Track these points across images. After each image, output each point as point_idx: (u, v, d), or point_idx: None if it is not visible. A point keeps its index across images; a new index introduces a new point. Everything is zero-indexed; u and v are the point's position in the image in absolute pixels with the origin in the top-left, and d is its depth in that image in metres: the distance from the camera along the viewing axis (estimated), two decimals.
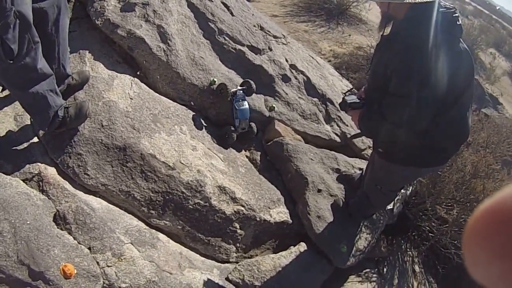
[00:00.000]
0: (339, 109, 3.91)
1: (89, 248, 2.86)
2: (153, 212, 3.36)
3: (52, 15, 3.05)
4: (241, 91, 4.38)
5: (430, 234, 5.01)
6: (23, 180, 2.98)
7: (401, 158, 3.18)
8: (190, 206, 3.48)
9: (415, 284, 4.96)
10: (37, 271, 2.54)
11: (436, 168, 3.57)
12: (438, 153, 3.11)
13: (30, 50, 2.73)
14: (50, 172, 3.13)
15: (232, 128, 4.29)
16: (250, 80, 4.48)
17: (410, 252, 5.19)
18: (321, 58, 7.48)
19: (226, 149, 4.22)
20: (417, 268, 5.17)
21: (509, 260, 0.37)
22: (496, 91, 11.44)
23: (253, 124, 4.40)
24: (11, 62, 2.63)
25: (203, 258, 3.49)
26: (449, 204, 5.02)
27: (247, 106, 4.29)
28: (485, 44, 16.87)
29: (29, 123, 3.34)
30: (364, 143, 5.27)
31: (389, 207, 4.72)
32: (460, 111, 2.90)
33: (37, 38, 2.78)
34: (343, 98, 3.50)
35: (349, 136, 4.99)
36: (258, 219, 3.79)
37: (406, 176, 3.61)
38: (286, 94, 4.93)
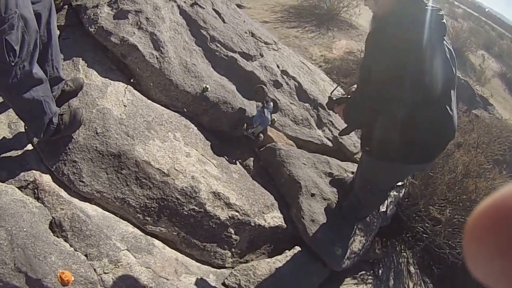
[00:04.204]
0: (327, 109, 3.96)
1: (86, 255, 2.87)
2: (148, 218, 3.37)
3: (44, 17, 3.09)
4: (272, 105, 4.56)
5: (424, 235, 5.03)
6: (18, 188, 2.99)
7: (387, 155, 3.21)
8: (185, 212, 3.50)
9: (411, 285, 4.96)
10: (35, 278, 2.54)
11: (423, 165, 3.53)
12: (424, 149, 3.12)
13: (27, 55, 2.76)
14: (45, 179, 3.15)
15: (246, 125, 4.42)
16: (277, 101, 4.73)
17: (404, 253, 5.20)
18: (312, 63, 7.53)
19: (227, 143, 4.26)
20: (412, 269, 5.18)
21: (510, 258, 0.38)
22: (487, 92, 11.50)
23: (262, 136, 4.49)
24: (13, 64, 2.66)
25: (199, 264, 3.49)
26: (442, 205, 5.04)
27: (269, 118, 4.43)
28: (475, 46, 16.98)
29: (23, 130, 3.35)
30: (356, 146, 5.31)
31: (383, 209, 4.74)
32: (444, 107, 2.92)
33: (35, 42, 2.82)
34: (329, 97, 3.57)
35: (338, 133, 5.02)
36: (252, 224, 3.81)
37: (393, 174, 3.60)
38: (278, 99, 4.97)
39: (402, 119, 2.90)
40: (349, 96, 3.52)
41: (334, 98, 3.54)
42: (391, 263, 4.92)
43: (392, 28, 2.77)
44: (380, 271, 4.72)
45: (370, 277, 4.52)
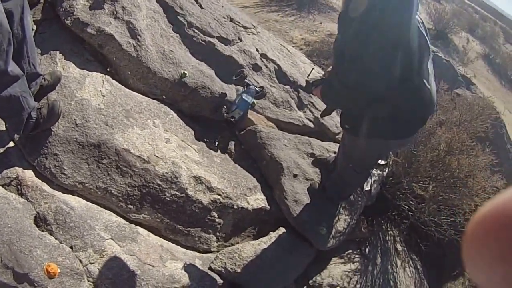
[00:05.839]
0: (305, 92, 4.01)
1: (71, 247, 2.91)
2: (131, 206, 3.39)
3: (17, 15, 3.08)
4: (254, 88, 4.55)
5: (410, 213, 5.10)
6: (2, 186, 3.01)
7: (366, 131, 3.22)
8: (167, 198, 3.52)
9: (399, 262, 5.03)
10: (22, 273, 2.58)
11: (404, 140, 3.54)
12: (404, 124, 3.15)
13: (2, 54, 2.76)
14: (28, 175, 3.16)
15: (226, 109, 4.45)
16: (265, 88, 4.76)
17: (391, 232, 5.26)
18: (292, 46, 7.54)
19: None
20: (399, 247, 5.24)
21: (511, 264, 0.38)
22: (470, 73, 11.58)
23: (242, 119, 4.51)
24: None
25: (184, 250, 3.53)
26: (426, 182, 5.09)
27: (249, 102, 4.41)
28: (458, 27, 17.05)
29: (4, 128, 3.36)
30: (338, 127, 5.32)
31: (367, 188, 4.79)
32: (421, 81, 2.94)
33: (9, 40, 2.81)
34: (306, 81, 3.61)
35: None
36: (235, 206, 3.84)
37: (374, 150, 3.62)
38: (258, 83, 4.98)
39: (380, 95, 2.92)
40: (325, 77, 3.55)
41: (311, 81, 3.57)
42: (377, 242, 4.99)
43: (378, 12, 2.73)
44: (367, 250, 4.79)
45: (357, 256, 4.59)
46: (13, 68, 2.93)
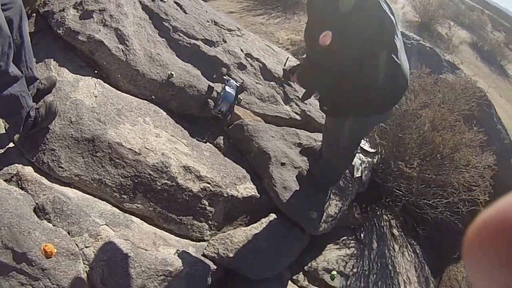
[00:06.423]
0: (283, 80, 4.15)
1: (68, 232, 3.09)
2: (124, 196, 3.58)
3: (16, 22, 3.32)
4: (235, 82, 4.69)
5: (403, 197, 5.19)
6: (3, 181, 3.21)
7: (343, 111, 3.33)
8: (158, 187, 3.70)
9: (396, 247, 5.11)
10: (20, 252, 2.76)
11: (380, 116, 3.56)
12: (377, 100, 3.22)
13: (3, 56, 3.00)
14: (27, 170, 3.36)
15: (212, 103, 4.65)
16: (245, 82, 4.95)
17: (385, 217, 5.34)
18: (278, 47, 7.69)
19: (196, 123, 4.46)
20: (395, 232, 5.31)
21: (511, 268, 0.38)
22: (457, 60, 11.57)
23: (229, 115, 4.61)
24: None
25: (177, 238, 3.67)
26: (413, 161, 5.16)
27: (233, 94, 4.52)
28: (443, 18, 17.06)
29: (4, 131, 3.59)
30: (324, 118, 5.41)
31: (357, 175, 4.88)
32: (390, 56, 3.01)
33: (9, 44, 3.05)
34: (283, 69, 3.77)
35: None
36: (225, 195, 3.99)
37: (354, 128, 3.57)
38: (242, 80, 5.14)
39: (350, 73, 3.04)
40: (300, 64, 3.72)
41: (288, 69, 3.74)
42: (372, 227, 5.06)
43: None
44: (362, 235, 4.85)
45: (352, 242, 4.65)
46: (13, 69, 3.17)
